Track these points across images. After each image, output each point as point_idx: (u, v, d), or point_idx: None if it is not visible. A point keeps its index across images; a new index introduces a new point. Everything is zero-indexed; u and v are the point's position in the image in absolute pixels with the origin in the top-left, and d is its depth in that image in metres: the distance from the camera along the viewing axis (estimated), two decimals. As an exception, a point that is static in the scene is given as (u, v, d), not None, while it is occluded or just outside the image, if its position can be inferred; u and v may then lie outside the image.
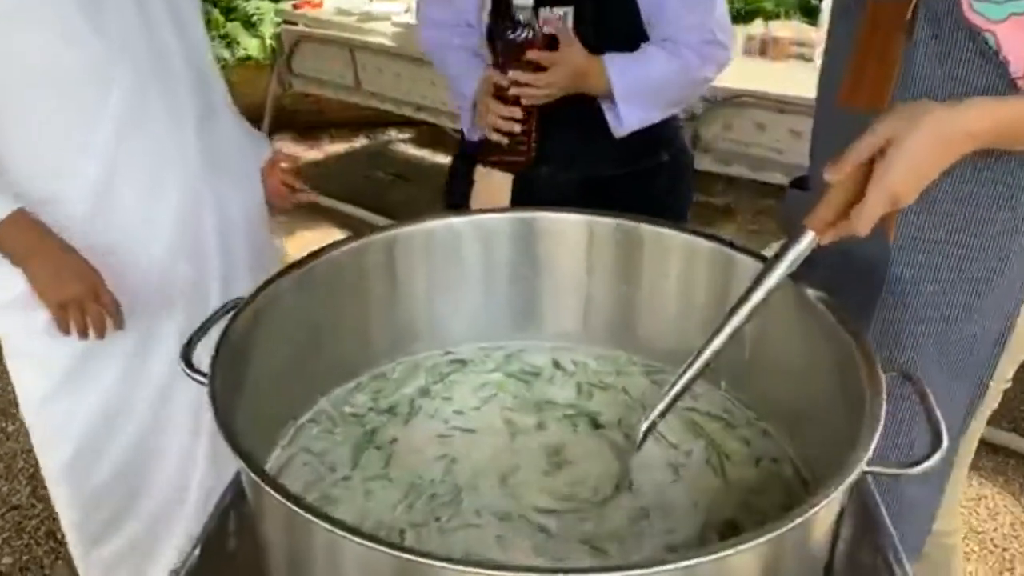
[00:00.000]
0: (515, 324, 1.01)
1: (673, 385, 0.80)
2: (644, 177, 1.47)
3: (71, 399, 1.27)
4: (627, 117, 1.39)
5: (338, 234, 2.96)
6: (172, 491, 1.38)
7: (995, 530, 2.02)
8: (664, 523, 0.77)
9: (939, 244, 1.01)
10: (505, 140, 1.37)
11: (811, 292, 0.80)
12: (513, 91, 1.32)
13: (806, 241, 0.77)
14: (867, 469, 0.61)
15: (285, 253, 1.51)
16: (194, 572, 0.75)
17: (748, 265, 0.85)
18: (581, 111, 1.38)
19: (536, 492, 0.80)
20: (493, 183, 1.40)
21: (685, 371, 0.79)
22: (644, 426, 0.81)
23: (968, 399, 1.09)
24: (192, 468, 1.37)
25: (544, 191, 1.40)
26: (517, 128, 1.35)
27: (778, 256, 0.78)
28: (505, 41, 1.34)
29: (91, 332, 1.18)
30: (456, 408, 0.91)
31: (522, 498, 0.79)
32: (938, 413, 0.71)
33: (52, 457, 1.32)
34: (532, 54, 1.30)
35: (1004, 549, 1.97)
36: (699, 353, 0.79)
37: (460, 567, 0.54)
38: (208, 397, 0.67)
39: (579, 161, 1.43)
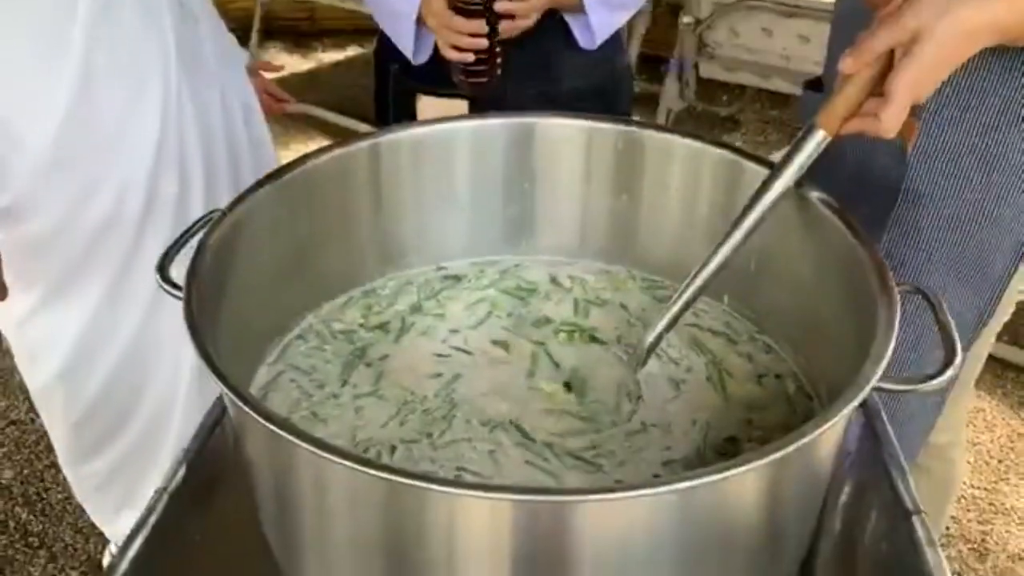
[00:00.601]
0: (510, 238, 0.96)
1: (676, 300, 0.77)
2: (602, 87, 1.41)
3: (55, 317, 1.24)
4: (599, 26, 1.33)
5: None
6: (162, 405, 1.37)
7: (991, 442, 2.03)
8: (663, 440, 0.74)
9: (959, 154, 0.97)
10: (471, 57, 1.27)
11: (816, 195, 0.76)
12: (505, 25, 1.25)
13: (815, 141, 0.72)
14: (879, 385, 0.58)
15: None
16: (180, 490, 0.73)
17: (756, 173, 0.80)
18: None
19: (531, 409, 0.77)
20: (448, 112, 1.31)
21: (689, 285, 0.76)
22: (648, 341, 0.78)
23: (978, 312, 1.07)
24: (179, 381, 1.36)
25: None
26: (484, 44, 1.26)
27: (786, 159, 0.73)
28: None
29: None
30: (450, 326, 0.88)
31: (516, 414, 0.77)
32: (952, 327, 0.68)
33: (37, 375, 1.30)
34: None
35: (1000, 461, 1.99)
36: (703, 265, 0.76)
37: (448, 488, 0.52)
38: (183, 311, 0.64)
39: (537, 76, 1.36)
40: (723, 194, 0.84)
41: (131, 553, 0.65)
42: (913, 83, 0.70)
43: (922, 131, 0.97)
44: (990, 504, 1.87)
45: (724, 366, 0.84)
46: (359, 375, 0.82)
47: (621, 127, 0.87)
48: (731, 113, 3.43)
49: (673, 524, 0.53)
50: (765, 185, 0.74)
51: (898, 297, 0.65)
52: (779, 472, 0.55)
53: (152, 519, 0.68)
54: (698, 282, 0.76)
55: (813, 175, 0.77)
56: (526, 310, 0.91)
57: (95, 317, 1.25)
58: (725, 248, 0.75)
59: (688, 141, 0.84)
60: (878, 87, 0.71)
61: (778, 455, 0.51)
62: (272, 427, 0.55)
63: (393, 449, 0.73)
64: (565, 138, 0.89)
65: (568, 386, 0.80)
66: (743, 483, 0.54)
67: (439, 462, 0.72)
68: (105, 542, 1.66)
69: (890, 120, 0.70)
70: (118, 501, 1.47)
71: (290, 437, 0.54)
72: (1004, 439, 2.04)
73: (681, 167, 0.86)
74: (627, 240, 0.94)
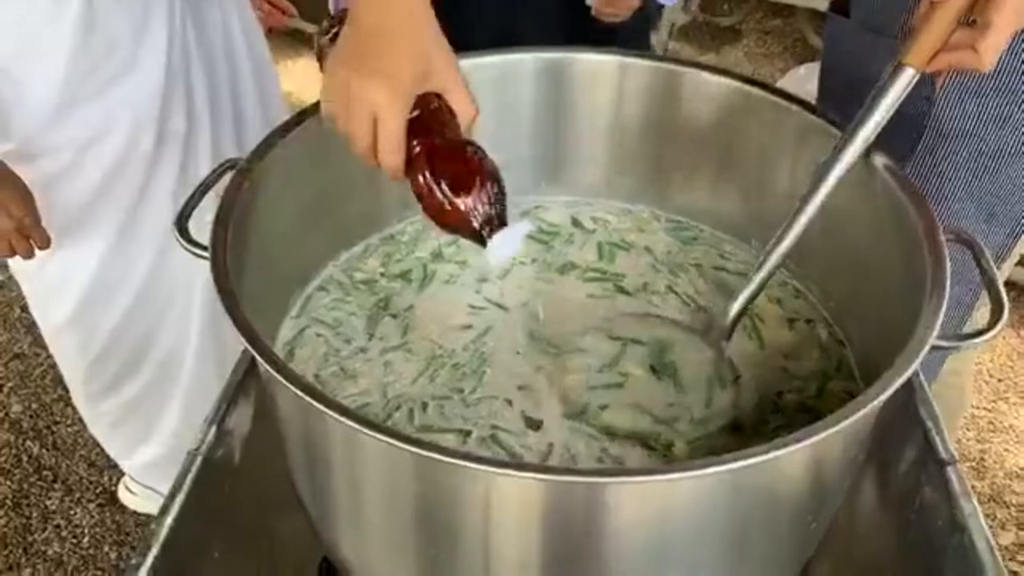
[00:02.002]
0: (532, 178, 0.93)
1: (762, 265, 0.72)
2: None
3: (68, 257, 1.22)
4: None
5: (323, 65, 2.79)
6: (176, 342, 1.36)
7: (991, 361, 2.05)
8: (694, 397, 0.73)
9: (986, 91, 0.94)
10: None
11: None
12: None
13: (904, 81, 0.66)
14: (935, 343, 0.57)
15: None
16: (212, 451, 0.72)
17: (798, 115, 0.77)
18: None
19: (563, 364, 0.76)
20: None
21: (774, 247, 0.72)
22: (733, 312, 0.74)
23: (997, 249, 1.06)
24: (191, 318, 1.34)
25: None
26: None
27: (873, 101, 0.68)
28: None
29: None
30: (473, 274, 0.86)
31: (550, 370, 0.76)
32: (999, 280, 0.67)
33: (52, 316, 1.29)
34: None
35: (999, 380, 2.01)
36: (790, 223, 0.70)
37: (482, 466, 0.51)
38: (212, 275, 0.62)
39: None
40: (762, 136, 0.81)
41: (169, 517, 0.65)
42: (1019, 8, 0.62)
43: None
44: (989, 423, 1.91)
45: (755, 311, 0.82)
46: (385, 327, 0.81)
47: (655, 63, 0.83)
48: (732, 23, 3.33)
49: (729, 498, 0.53)
50: (856, 127, 0.68)
51: (947, 253, 0.63)
52: (834, 439, 0.54)
53: (187, 482, 0.68)
54: (784, 243, 0.71)
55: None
56: (550, 255, 0.89)
57: (108, 257, 1.23)
58: (812, 204, 0.69)
59: (727, 80, 0.80)
60: (967, 14, 0.65)
61: (845, 424, 0.50)
62: (311, 400, 0.54)
63: (425, 406, 0.73)
64: (596, 73, 0.85)
65: (654, 370, 0.74)
66: (797, 455, 0.53)
67: (472, 420, 0.71)
68: (119, 475, 1.68)
69: (989, 52, 0.63)
70: (134, 437, 1.48)
71: (328, 411, 0.53)
72: (1004, 358, 2.06)
73: (718, 106, 0.82)
74: (655, 181, 0.91)
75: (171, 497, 0.67)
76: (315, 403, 0.53)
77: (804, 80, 2.34)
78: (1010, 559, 1.66)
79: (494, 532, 0.56)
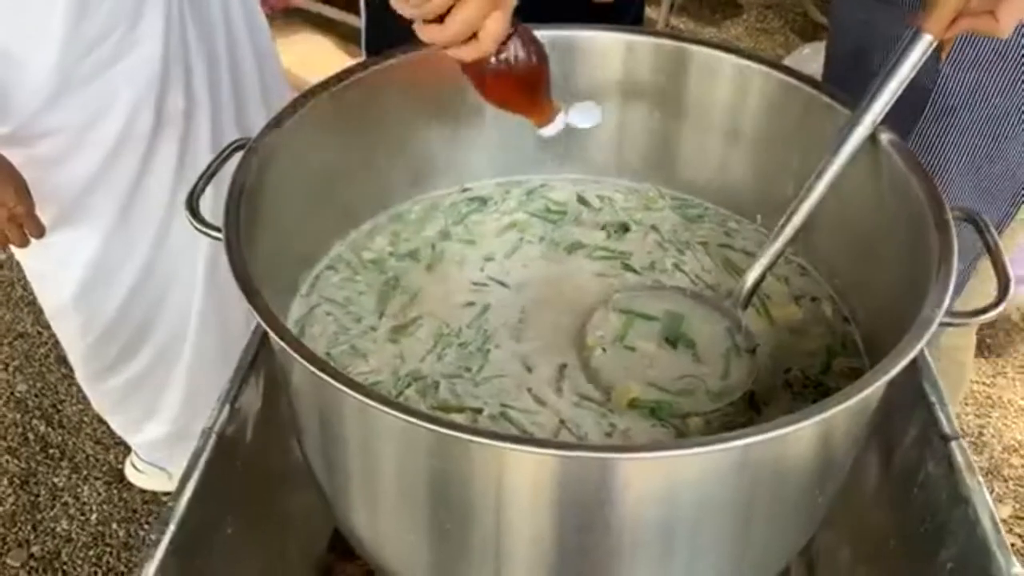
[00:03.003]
0: (537, 157, 0.94)
1: (774, 239, 0.73)
2: None
3: (69, 238, 1.22)
4: None
5: (322, 39, 2.76)
6: (178, 320, 1.37)
7: (991, 338, 2.06)
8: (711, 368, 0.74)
9: (990, 64, 0.94)
10: None
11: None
12: None
13: (921, 48, 0.66)
14: (943, 320, 0.57)
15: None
16: (224, 429, 0.73)
17: (807, 94, 0.77)
18: None
19: (571, 340, 0.77)
20: None
21: (785, 223, 0.73)
22: (751, 280, 0.74)
23: (997, 223, 1.07)
24: (193, 296, 1.35)
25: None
26: None
27: (892, 69, 0.67)
28: None
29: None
30: (481, 253, 0.86)
31: (558, 346, 0.76)
32: (1004, 253, 0.67)
33: (53, 296, 1.29)
34: None
35: (998, 355, 2.03)
36: (803, 198, 0.71)
37: (496, 442, 0.52)
38: (226, 255, 0.62)
39: None
40: (767, 113, 0.81)
41: (186, 495, 0.66)
42: None
43: (956, 39, 0.94)
44: (987, 397, 1.92)
45: (762, 289, 0.83)
46: (394, 306, 0.81)
47: (661, 41, 0.83)
48: (733, -3, 3.31)
49: (739, 472, 0.54)
50: (874, 95, 0.68)
51: (954, 231, 0.64)
52: (841, 415, 0.55)
53: (202, 460, 0.68)
54: (795, 221, 0.72)
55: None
56: (557, 234, 0.90)
57: (109, 238, 1.23)
58: (823, 183, 0.70)
59: (735, 58, 0.80)
60: None
61: (853, 400, 0.51)
62: (327, 378, 0.54)
63: (436, 385, 0.73)
64: (603, 51, 0.85)
65: (668, 342, 0.75)
66: (806, 431, 0.54)
67: (482, 399, 0.72)
68: (126, 452, 1.69)
69: (1009, 17, 0.62)
70: (140, 415, 1.49)
71: (343, 387, 0.53)
72: (1003, 336, 2.07)
73: (727, 85, 0.82)
74: (661, 158, 0.91)
75: (187, 475, 0.67)
76: (333, 381, 0.54)
77: (809, 59, 2.33)
78: (1008, 531, 1.68)
79: (506, 508, 0.57)
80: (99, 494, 1.68)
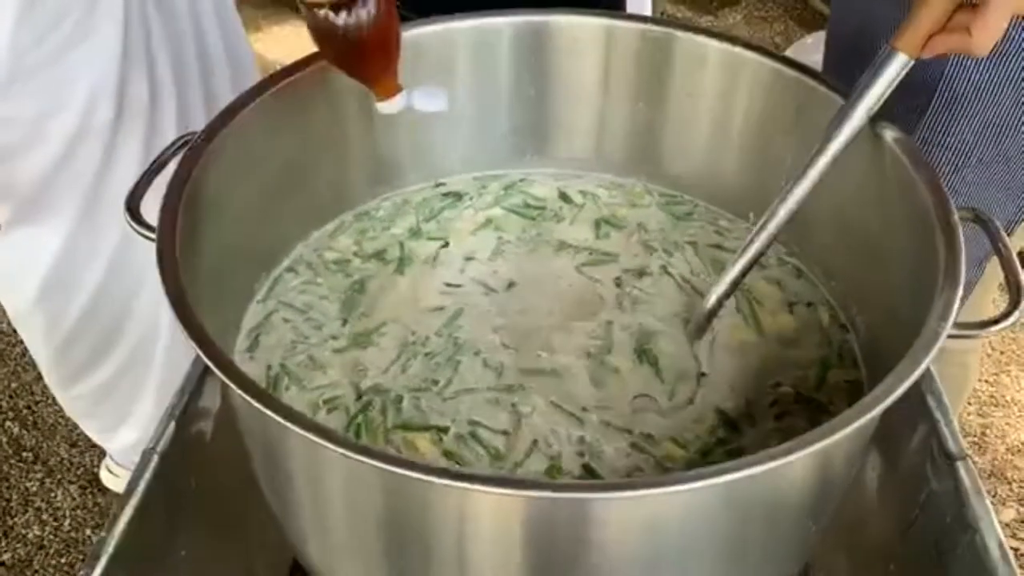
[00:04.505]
0: (515, 150, 0.88)
1: (739, 257, 0.68)
2: None
3: (29, 236, 1.16)
4: None
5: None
6: (149, 324, 1.31)
7: (994, 334, 2.01)
8: (711, 396, 0.68)
9: (1001, 54, 0.88)
10: None
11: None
12: None
13: (895, 68, 0.62)
14: (951, 333, 0.52)
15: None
16: (171, 447, 0.67)
17: (798, 82, 0.71)
18: None
19: (543, 352, 0.71)
20: None
21: (752, 241, 0.67)
22: (708, 306, 0.70)
23: (1008, 220, 1.02)
24: (160, 304, 1.28)
25: None
26: None
27: (862, 89, 0.63)
28: None
29: None
30: (453, 252, 0.80)
31: (529, 358, 0.71)
32: (1015, 259, 0.62)
33: (15, 299, 1.23)
34: None
35: (1001, 352, 1.97)
36: (773, 212, 0.66)
37: (456, 482, 0.46)
38: (157, 266, 0.56)
39: None
40: (763, 105, 0.75)
41: (121, 524, 0.60)
42: None
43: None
44: (990, 396, 1.87)
45: (753, 294, 0.77)
46: (357, 312, 0.76)
47: (645, 26, 0.77)
48: (731, -14, 3.24)
49: (725, 506, 0.48)
50: (838, 120, 0.64)
51: (961, 237, 0.58)
52: (839, 442, 0.50)
53: (141, 484, 0.63)
54: (762, 238, 0.67)
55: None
56: (536, 232, 0.84)
57: (71, 236, 1.17)
58: (796, 193, 0.65)
59: (724, 45, 0.74)
60: None
61: (851, 428, 0.45)
62: (267, 410, 0.48)
63: (400, 400, 0.68)
64: (580, 38, 0.79)
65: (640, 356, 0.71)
66: (801, 461, 0.48)
67: (449, 415, 0.66)
68: (101, 455, 1.64)
69: (984, 36, 0.58)
70: (113, 419, 1.43)
71: (284, 421, 0.48)
72: (1006, 332, 2.01)
73: (715, 73, 0.76)
74: (646, 152, 0.85)
75: (124, 500, 0.62)
76: (274, 415, 0.48)
77: (811, 49, 2.27)
78: (1011, 535, 1.63)
79: (468, 546, 0.51)
80: (73, 499, 1.63)
